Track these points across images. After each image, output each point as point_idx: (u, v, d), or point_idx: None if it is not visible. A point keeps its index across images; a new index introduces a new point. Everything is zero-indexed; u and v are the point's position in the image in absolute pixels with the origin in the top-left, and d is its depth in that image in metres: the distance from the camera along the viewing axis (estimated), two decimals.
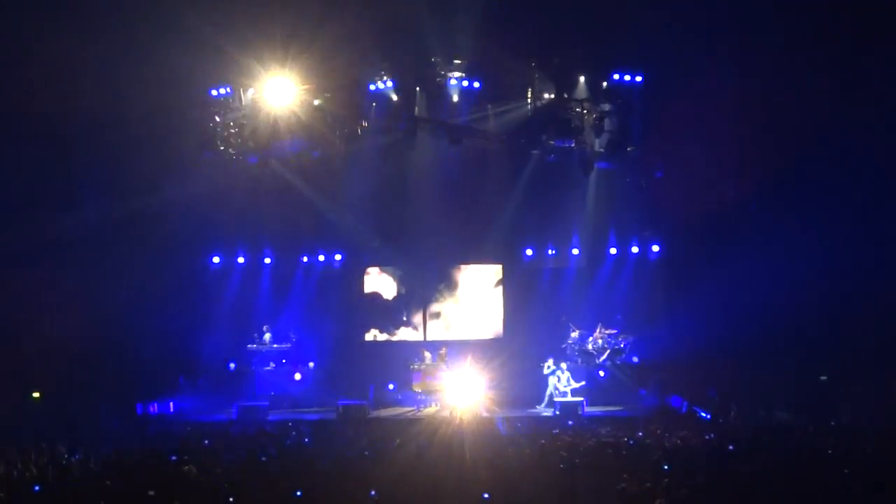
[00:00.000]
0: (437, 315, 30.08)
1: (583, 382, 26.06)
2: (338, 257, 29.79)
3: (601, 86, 26.72)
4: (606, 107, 26.70)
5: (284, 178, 28.39)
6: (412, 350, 28.13)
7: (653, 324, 28.39)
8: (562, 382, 25.80)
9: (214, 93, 26.65)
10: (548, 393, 26.32)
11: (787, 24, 24.33)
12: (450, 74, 26.56)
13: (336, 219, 28.94)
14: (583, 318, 28.34)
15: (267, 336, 28.13)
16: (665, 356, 26.66)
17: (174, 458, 16.56)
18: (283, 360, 28.02)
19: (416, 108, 26.95)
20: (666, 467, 14.56)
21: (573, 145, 26.91)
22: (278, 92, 26.55)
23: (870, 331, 24.21)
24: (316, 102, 26.74)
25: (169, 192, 27.02)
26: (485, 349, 28.42)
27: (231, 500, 12.36)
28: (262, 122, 26.99)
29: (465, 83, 26.57)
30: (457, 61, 26.57)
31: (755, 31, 24.58)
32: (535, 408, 26.19)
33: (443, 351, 27.53)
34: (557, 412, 24.62)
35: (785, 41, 24.44)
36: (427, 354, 27.40)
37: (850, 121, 24.45)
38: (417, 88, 26.89)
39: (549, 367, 26.54)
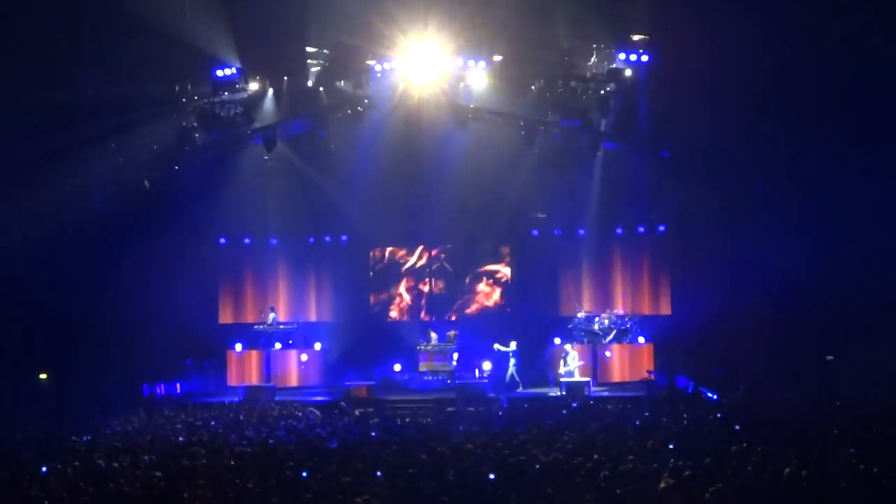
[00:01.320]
0: (444, 296, 30.08)
1: (581, 363, 26.01)
2: (344, 238, 29.79)
3: (608, 66, 26.59)
4: (613, 86, 26.60)
5: (290, 159, 28.41)
6: (419, 331, 28.17)
7: (659, 304, 28.42)
8: (568, 363, 25.75)
9: (220, 73, 26.59)
10: (508, 374, 26.34)
11: (796, 4, 24.23)
12: (456, 55, 26.44)
13: (342, 199, 28.91)
14: (589, 299, 28.40)
15: (271, 317, 28.16)
16: (671, 337, 26.67)
17: (182, 439, 16.67)
18: (290, 342, 28.07)
19: (422, 88, 26.81)
20: (671, 446, 14.59)
21: (579, 125, 26.84)
22: (285, 72, 26.59)
23: (875, 312, 24.18)
24: (321, 87, 26.73)
25: (175, 173, 27.07)
26: (491, 328, 28.48)
27: (237, 481, 12.39)
28: (268, 103, 27.03)
29: (472, 62, 26.44)
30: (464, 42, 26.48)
31: (763, 11, 24.44)
32: (539, 387, 26.23)
33: (452, 333, 27.55)
34: (564, 392, 24.64)
35: (793, 20, 24.32)
36: (434, 335, 27.45)
37: (857, 102, 24.34)
38: (422, 69, 26.73)
39: (509, 349, 26.54)
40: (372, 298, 30.32)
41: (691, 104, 25.31)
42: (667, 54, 25.90)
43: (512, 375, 26.35)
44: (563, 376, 25.51)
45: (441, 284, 30.11)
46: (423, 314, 29.98)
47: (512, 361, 26.43)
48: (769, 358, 24.37)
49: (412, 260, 30.28)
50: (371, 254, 30.38)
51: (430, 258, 30.14)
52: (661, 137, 26.77)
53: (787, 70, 24.76)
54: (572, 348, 26.14)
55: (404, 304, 30.24)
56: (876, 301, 24.23)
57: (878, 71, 23.89)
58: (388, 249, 30.38)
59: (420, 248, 30.18)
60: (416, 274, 30.22)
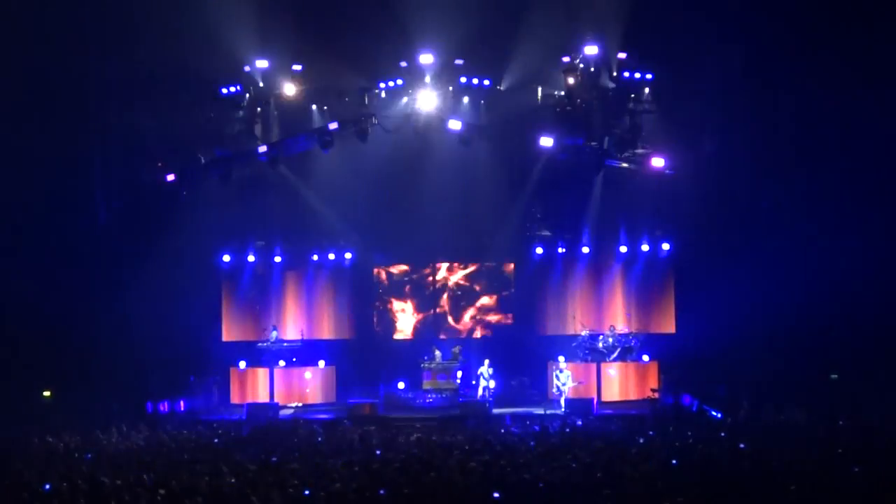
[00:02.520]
0: (448, 314, 30.06)
1: (576, 383, 25.92)
2: (348, 255, 29.79)
3: (611, 84, 26.62)
4: (617, 104, 26.59)
5: (294, 177, 28.44)
6: (423, 348, 28.13)
7: (663, 322, 28.38)
8: (562, 381, 25.66)
9: (224, 91, 26.70)
10: (479, 394, 26.20)
11: (800, 21, 24.26)
12: (460, 73, 26.53)
13: (346, 217, 28.94)
14: (593, 317, 28.37)
15: (273, 334, 28.14)
16: (675, 355, 26.63)
17: (185, 457, 16.64)
18: (294, 359, 28.03)
19: (426, 107, 26.85)
20: (674, 462, 14.55)
21: (583, 143, 26.86)
22: (288, 90, 26.66)
23: (880, 330, 24.14)
24: (325, 105, 26.83)
25: (179, 190, 27.11)
26: (495, 346, 28.46)
27: (240, 499, 12.35)
28: (272, 121, 27.10)
29: (475, 81, 26.55)
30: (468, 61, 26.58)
31: (767, 29, 24.50)
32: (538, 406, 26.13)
33: (456, 349, 27.50)
34: (567, 410, 24.55)
35: (797, 39, 24.37)
36: (438, 353, 27.40)
37: (863, 119, 24.36)
38: (427, 87, 26.80)
39: (484, 369, 26.39)
40: (376, 316, 30.32)
41: (696, 122, 25.34)
42: (671, 72, 25.94)
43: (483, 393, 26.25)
44: (553, 394, 25.51)
45: (445, 302, 30.11)
46: (427, 332, 29.94)
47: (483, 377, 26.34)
48: (774, 376, 24.31)
49: (416, 278, 30.29)
50: (375, 271, 30.39)
51: (434, 276, 30.14)
52: (665, 155, 26.76)
53: (795, 87, 24.79)
54: (566, 367, 26.05)
55: (408, 321, 30.22)
56: (881, 320, 24.19)
57: (887, 86, 23.92)
58: (393, 267, 30.39)
59: (424, 266, 30.18)
60: (421, 292, 30.21)
